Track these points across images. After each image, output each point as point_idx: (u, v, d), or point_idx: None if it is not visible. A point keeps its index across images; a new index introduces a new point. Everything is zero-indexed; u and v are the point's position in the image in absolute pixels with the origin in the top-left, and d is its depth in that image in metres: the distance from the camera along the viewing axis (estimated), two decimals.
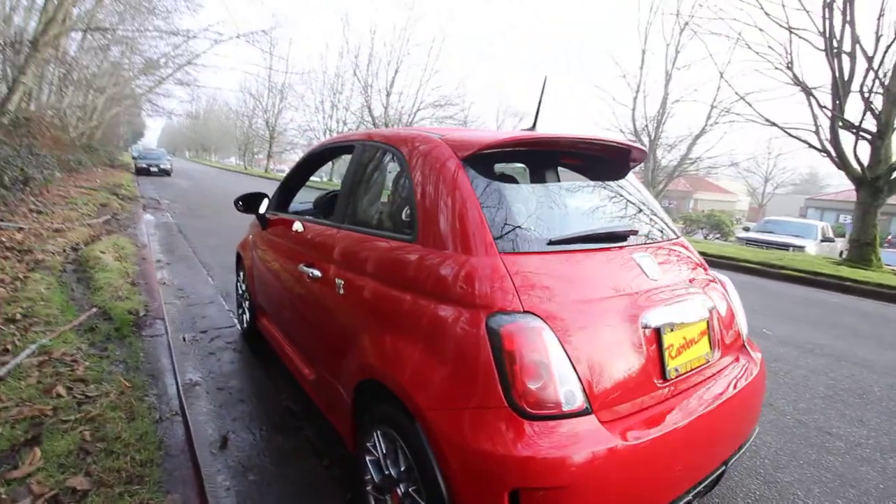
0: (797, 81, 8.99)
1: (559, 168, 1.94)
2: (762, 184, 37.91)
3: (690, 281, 1.68)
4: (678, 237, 1.89)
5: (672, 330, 1.44)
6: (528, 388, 1.15)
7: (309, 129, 34.26)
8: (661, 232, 1.80)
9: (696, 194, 38.19)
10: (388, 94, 25.73)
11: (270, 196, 2.94)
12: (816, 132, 9.05)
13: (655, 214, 1.87)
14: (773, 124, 9.48)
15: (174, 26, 14.55)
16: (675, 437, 1.29)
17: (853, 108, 8.40)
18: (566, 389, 1.18)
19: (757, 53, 9.22)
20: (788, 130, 9.37)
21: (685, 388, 1.45)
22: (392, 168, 1.81)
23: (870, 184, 8.57)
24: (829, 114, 8.67)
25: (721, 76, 12.20)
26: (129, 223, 7.32)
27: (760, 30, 9.11)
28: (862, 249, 8.64)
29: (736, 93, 10.26)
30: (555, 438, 1.13)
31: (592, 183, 1.81)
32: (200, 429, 2.10)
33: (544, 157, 1.74)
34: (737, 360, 1.73)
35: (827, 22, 8.47)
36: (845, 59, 8.42)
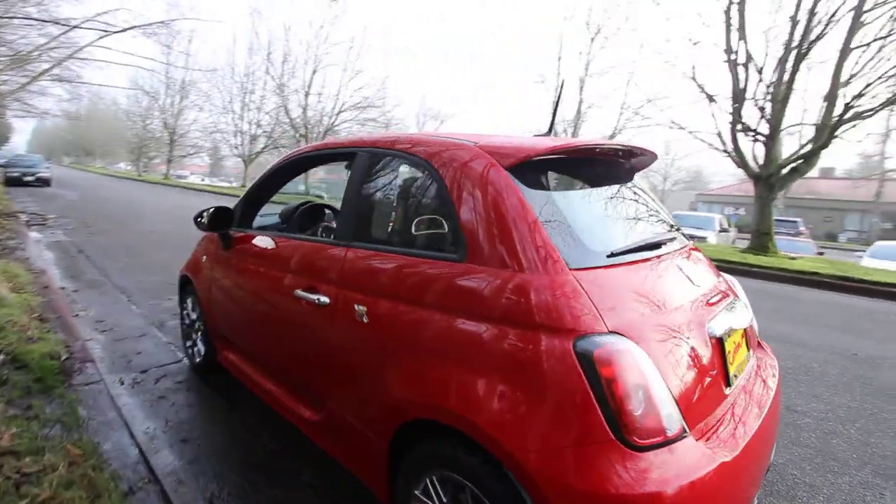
0: (701, 89, 10.03)
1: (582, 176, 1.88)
2: (662, 181, 41.93)
3: (719, 284, 1.71)
4: (691, 240, 1.92)
5: (729, 336, 1.44)
6: (633, 416, 1.06)
7: (216, 130, 31.70)
8: (682, 236, 1.82)
9: None
10: (306, 95, 24.61)
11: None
12: (719, 135, 10.18)
13: (670, 218, 1.88)
14: (681, 128, 10.52)
15: (50, 14, 12.59)
16: (753, 444, 1.28)
17: (751, 114, 9.52)
18: (667, 413, 1.10)
19: (667, 63, 10.16)
20: (695, 134, 10.46)
21: (742, 393, 1.45)
22: (416, 179, 1.62)
23: (765, 180, 9.80)
24: (731, 118, 9.80)
25: (628, 83, 13.27)
26: (13, 245, 6.15)
27: (667, 41, 10.07)
28: (761, 238, 9.86)
29: (649, 99, 11.20)
30: (669, 469, 1.05)
31: (612, 189, 1.78)
32: (179, 497, 1.75)
33: (576, 165, 1.67)
34: (758, 356, 1.79)
35: (726, 37, 9.54)
36: (742, 70, 9.55)
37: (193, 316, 2.94)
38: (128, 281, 5.04)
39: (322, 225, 2.58)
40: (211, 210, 2.40)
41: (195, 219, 2.38)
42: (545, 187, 1.45)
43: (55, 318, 3.39)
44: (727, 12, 9.37)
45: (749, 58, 9.34)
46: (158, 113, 35.56)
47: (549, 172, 1.52)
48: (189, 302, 3.00)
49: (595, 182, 1.68)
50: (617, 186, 1.73)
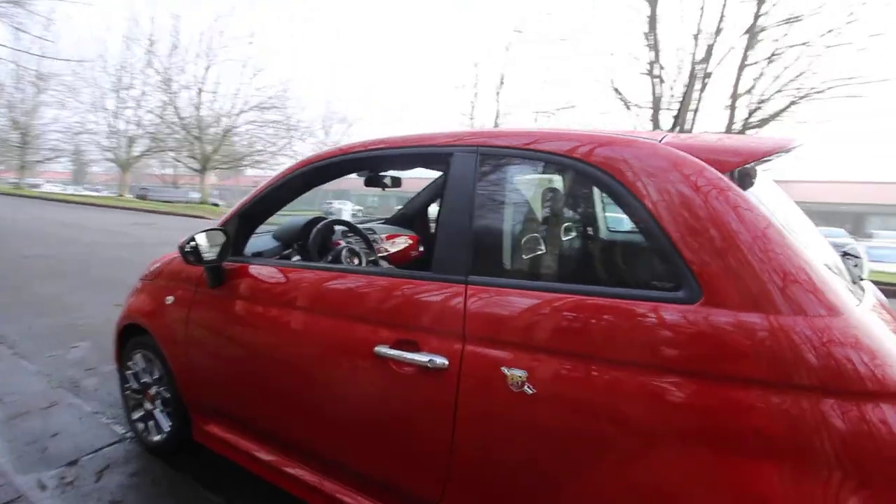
0: (621, 98, 10.70)
1: None
2: None
3: None
4: None
5: None
6: None
7: (84, 130, 27.15)
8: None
9: None
10: (199, 92, 22.08)
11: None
12: None
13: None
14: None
15: None
16: None
17: (667, 121, 10.32)
18: None
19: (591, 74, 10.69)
20: None
21: None
22: (580, 191, 1.19)
23: None
24: (651, 125, 10.57)
25: (543, 90, 13.79)
26: None
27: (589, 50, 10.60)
28: None
29: (571, 105, 11.69)
30: None
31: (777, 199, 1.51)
32: None
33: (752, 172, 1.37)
34: None
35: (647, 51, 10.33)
36: (658, 82, 10.36)
37: (147, 378, 2.15)
38: (9, 327, 3.78)
39: (345, 248, 2.00)
40: (212, 232, 1.70)
41: (182, 249, 1.66)
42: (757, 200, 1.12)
43: None
44: (646, 35, 10.14)
45: (661, 68, 10.17)
46: (5, 110, 29.49)
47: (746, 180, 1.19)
48: (138, 359, 2.19)
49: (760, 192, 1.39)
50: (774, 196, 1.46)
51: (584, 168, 1.13)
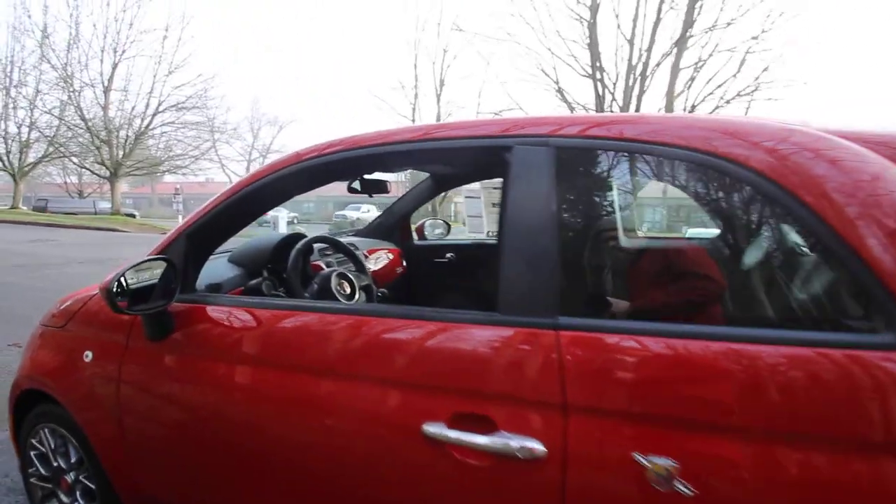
0: (564, 98, 10.84)
1: None
2: None
3: None
4: None
5: None
6: None
7: None
8: None
9: (457, 198, 43.29)
10: (106, 90, 19.77)
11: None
12: None
13: None
14: None
15: None
16: None
17: None
18: None
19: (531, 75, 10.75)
20: None
21: None
22: (713, 196, 0.88)
23: None
24: None
25: (480, 94, 13.78)
26: None
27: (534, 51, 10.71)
28: None
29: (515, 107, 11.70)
30: None
31: None
32: None
33: None
34: None
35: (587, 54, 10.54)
36: (599, 84, 10.62)
37: (60, 462, 1.57)
38: None
39: (334, 273, 1.56)
40: (149, 264, 1.19)
41: (107, 293, 1.14)
42: None
43: None
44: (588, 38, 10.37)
45: (602, 71, 10.45)
46: None
47: None
48: (45, 436, 1.60)
49: None
50: None
51: (727, 167, 0.82)
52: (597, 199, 0.97)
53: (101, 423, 1.41)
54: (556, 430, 0.82)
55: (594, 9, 10.08)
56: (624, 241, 0.98)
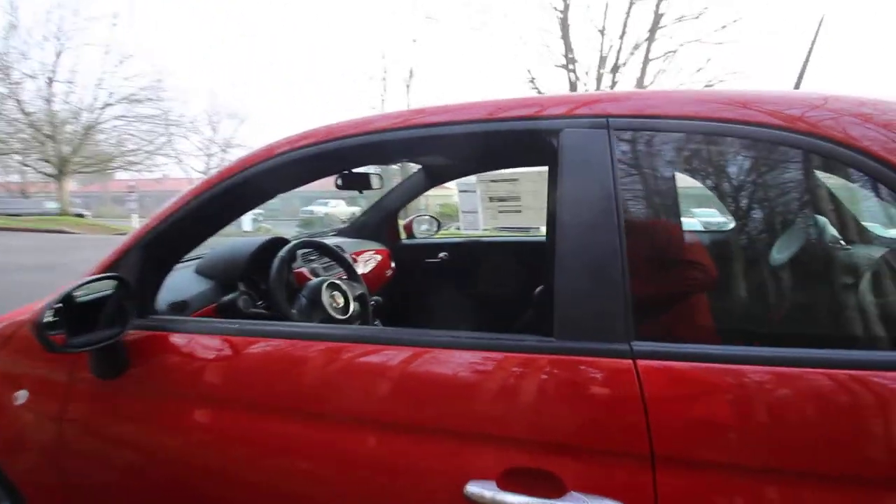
0: (536, 89, 10.78)
1: None
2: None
3: None
4: None
5: None
6: None
7: None
8: None
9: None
10: (50, 82, 18.37)
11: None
12: None
13: None
14: None
15: None
16: None
17: None
18: None
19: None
20: None
21: None
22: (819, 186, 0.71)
23: None
24: None
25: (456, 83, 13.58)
26: None
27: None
28: None
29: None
30: None
31: None
32: None
33: None
34: None
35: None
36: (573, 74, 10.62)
37: None
38: None
39: (325, 284, 1.33)
40: (95, 285, 0.94)
41: (37, 328, 0.87)
42: None
43: None
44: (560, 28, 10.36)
45: (575, 61, 10.46)
46: None
47: None
48: None
49: None
50: None
51: (839, 152, 0.65)
52: (677, 193, 0.79)
53: (39, 483, 1.14)
54: (642, 489, 0.65)
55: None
56: (728, 248, 0.80)
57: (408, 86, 17.53)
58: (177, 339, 1.00)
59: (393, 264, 2.25)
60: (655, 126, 0.77)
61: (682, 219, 0.90)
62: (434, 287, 2.21)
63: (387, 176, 2.59)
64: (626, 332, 0.70)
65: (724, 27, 9.67)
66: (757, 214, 0.80)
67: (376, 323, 1.58)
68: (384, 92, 17.70)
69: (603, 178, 0.75)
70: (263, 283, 1.37)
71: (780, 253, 0.72)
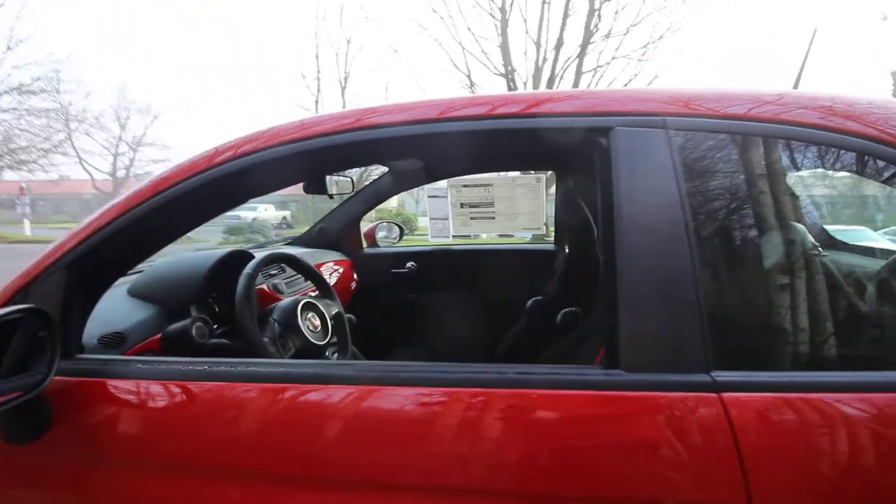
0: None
1: None
2: None
3: None
4: None
5: None
6: None
7: None
8: None
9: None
10: None
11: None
12: None
13: None
14: None
15: None
16: None
17: None
18: None
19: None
20: None
21: None
22: None
23: None
24: None
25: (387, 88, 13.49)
26: None
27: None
28: None
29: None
30: None
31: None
32: None
33: None
34: None
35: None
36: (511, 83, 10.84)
37: None
38: None
39: (302, 303, 1.13)
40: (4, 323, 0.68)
41: None
42: None
43: None
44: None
45: (514, 70, 10.71)
46: None
47: None
48: None
49: None
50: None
51: None
52: (762, 199, 0.71)
53: None
54: None
55: (504, 11, 10.35)
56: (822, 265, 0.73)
57: (343, 87, 17.05)
58: (118, 386, 0.77)
59: (356, 276, 2.06)
60: (718, 127, 0.69)
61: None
62: (404, 301, 2.05)
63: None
64: (705, 361, 0.61)
65: (646, 45, 10.45)
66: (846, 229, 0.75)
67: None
68: (318, 92, 17.06)
69: (667, 184, 0.65)
70: (222, 305, 1.14)
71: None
